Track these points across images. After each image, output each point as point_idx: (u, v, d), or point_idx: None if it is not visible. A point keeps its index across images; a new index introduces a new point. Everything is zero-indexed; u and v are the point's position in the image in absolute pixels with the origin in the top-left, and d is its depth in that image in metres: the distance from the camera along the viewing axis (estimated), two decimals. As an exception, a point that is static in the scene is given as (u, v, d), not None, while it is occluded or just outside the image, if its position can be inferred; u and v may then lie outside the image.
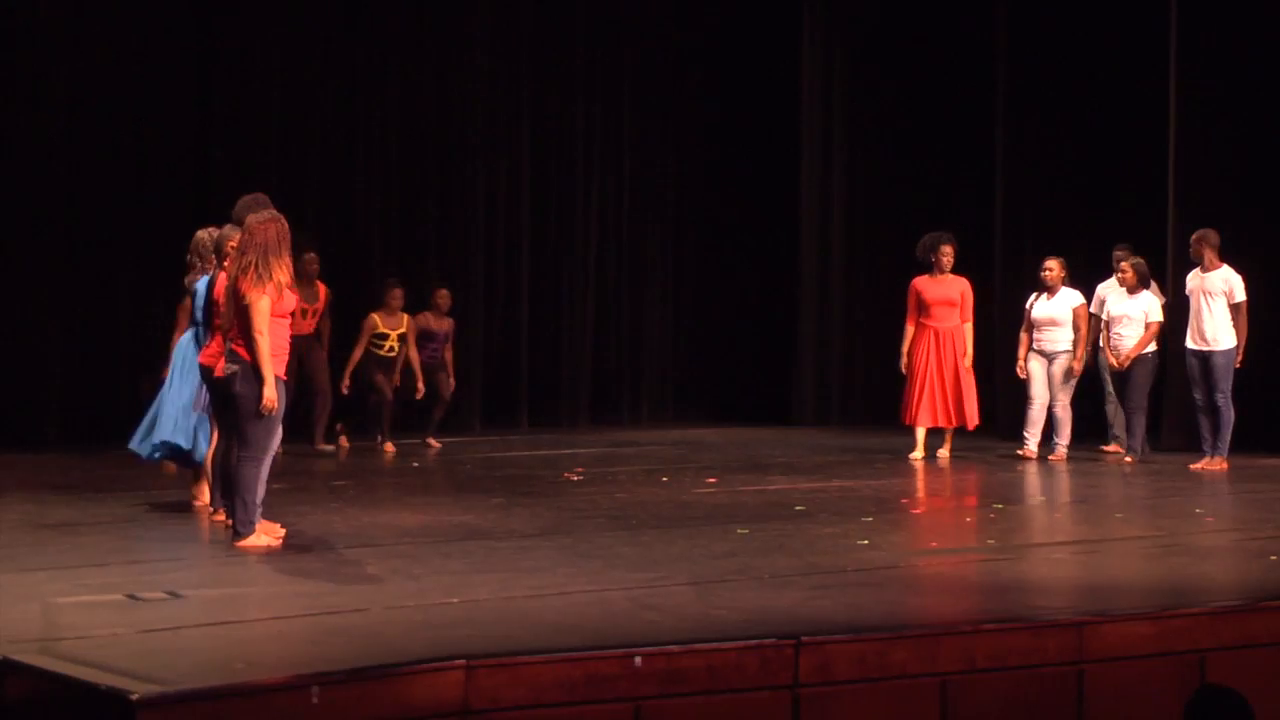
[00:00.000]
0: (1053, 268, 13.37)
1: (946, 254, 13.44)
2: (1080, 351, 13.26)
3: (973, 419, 13.42)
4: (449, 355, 14.46)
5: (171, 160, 14.92)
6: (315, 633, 6.69)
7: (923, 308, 13.43)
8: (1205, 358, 12.75)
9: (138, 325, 14.64)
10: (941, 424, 13.37)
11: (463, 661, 6.02)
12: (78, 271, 14.63)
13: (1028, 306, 13.50)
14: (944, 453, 13.36)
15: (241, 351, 8.60)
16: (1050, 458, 13.20)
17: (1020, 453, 13.22)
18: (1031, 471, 12.85)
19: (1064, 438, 13.28)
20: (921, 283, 13.51)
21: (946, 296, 13.40)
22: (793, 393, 17.37)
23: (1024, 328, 13.49)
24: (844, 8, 17.23)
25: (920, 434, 13.41)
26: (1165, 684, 7.01)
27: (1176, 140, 14.45)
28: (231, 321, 8.69)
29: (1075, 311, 13.28)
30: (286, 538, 8.93)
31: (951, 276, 13.47)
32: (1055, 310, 13.27)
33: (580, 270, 17.03)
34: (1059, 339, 13.27)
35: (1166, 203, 14.46)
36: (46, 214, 14.50)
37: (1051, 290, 13.33)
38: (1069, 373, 13.24)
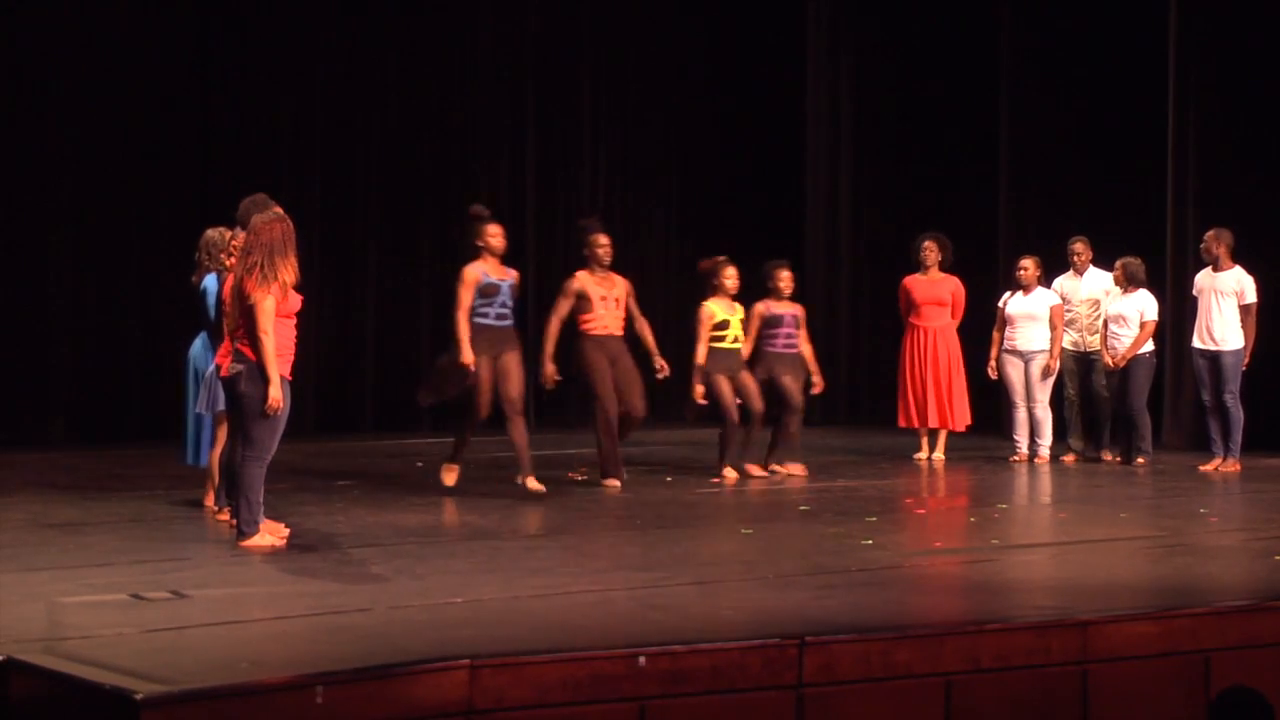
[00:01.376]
0: (1028, 266, 13.34)
1: (928, 249, 13.40)
2: (1056, 350, 13.24)
3: (962, 420, 13.40)
4: (807, 347, 12.52)
5: (179, 159, 14.94)
6: (319, 632, 6.69)
7: (912, 307, 13.41)
8: (1213, 358, 12.74)
9: (146, 324, 14.66)
10: (931, 425, 13.33)
11: (467, 661, 6.02)
12: (85, 270, 14.65)
13: (1001, 305, 13.45)
14: (938, 455, 13.35)
15: (247, 351, 8.61)
16: (1036, 460, 13.19)
17: (1013, 459, 13.19)
18: (1034, 472, 12.85)
19: (1045, 438, 13.25)
20: (911, 281, 13.49)
21: (936, 296, 13.38)
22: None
23: (996, 326, 13.45)
24: (847, 9, 17.23)
25: (924, 434, 13.41)
26: (1170, 684, 7.01)
27: (1177, 138, 14.46)
28: (238, 322, 8.69)
29: (1052, 310, 13.25)
30: (290, 537, 8.94)
31: (942, 275, 13.44)
32: (1032, 307, 13.23)
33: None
34: (1035, 337, 13.23)
35: (1170, 202, 14.48)
36: (54, 213, 14.53)
37: (1027, 289, 13.30)
38: (1045, 371, 13.23)
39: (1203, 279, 12.97)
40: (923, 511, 10.99)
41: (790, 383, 12.18)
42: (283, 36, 15.48)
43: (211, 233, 9.99)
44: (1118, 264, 13.17)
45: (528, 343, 16.37)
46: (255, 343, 8.56)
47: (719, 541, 9.16)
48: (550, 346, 11.39)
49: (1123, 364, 13.02)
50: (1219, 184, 14.16)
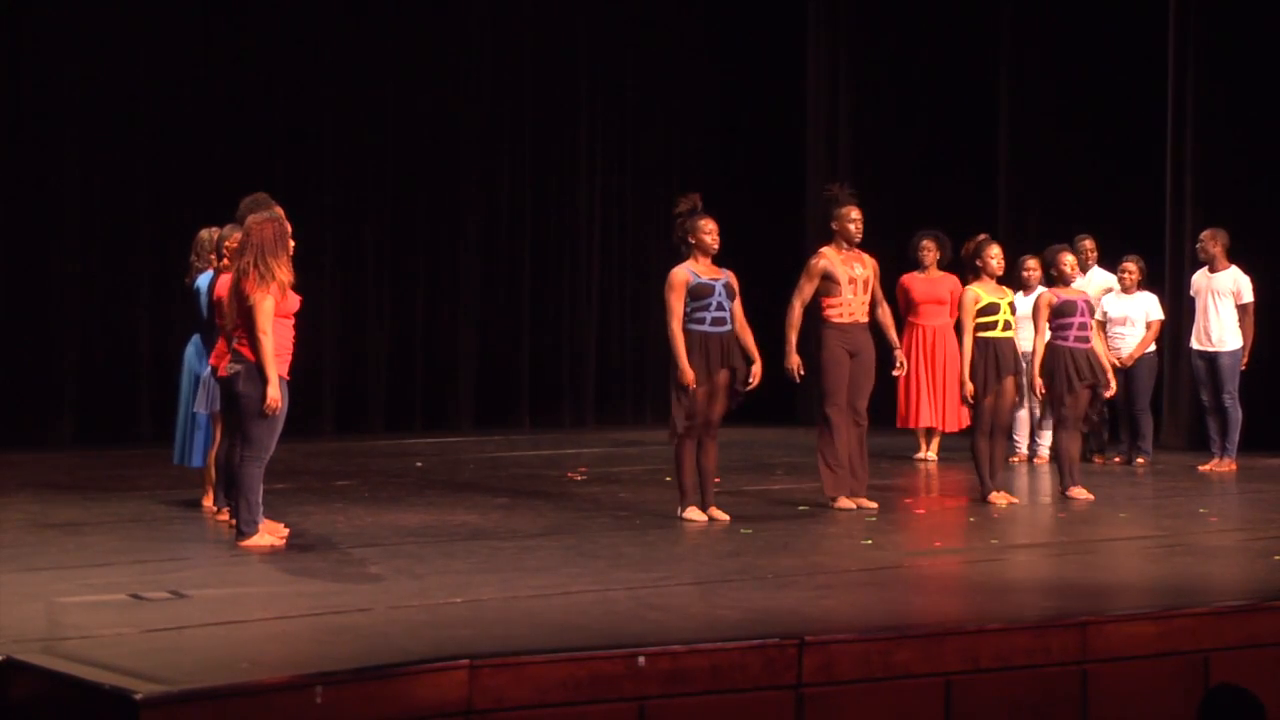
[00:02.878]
0: (1033, 267, 13.31)
1: (926, 249, 13.33)
2: None
3: (957, 421, 13.33)
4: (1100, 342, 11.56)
5: (186, 159, 14.92)
6: (319, 632, 6.69)
7: (911, 306, 13.38)
8: (1211, 359, 12.76)
9: (153, 325, 14.66)
10: (933, 426, 13.29)
11: (467, 661, 6.02)
12: (92, 271, 14.64)
13: None
14: (932, 455, 13.33)
15: (246, 351, 8.60)
16: (1035, 460, 13.19)
17: (1013, 459, 13.18)
18: (1034, 472, 12.84)
19: (1045, 438, 13.24)
20: (910, 280, 13.45)
21: (935, 295, 13.32)
22: (796, 392, 17.33)
23: None
24: (847, 7, 17.22)
25: (923, 434, 13.39)
26: (1169, 684, 7.01)
27: (1177, 138, 14.46)
28: (236, 321, 8.69)
29: None
30: (290, 537, 8.94)
31: (941, 275, 13.39)
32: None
33: (583, 268, 17.02)
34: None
35: (1168, 202, 14.48)
36: (61, 214, 14.52)
37: (1028, 289, 13.24)
38: None
39: (1199, 279, 12.97)
40: (923, 511, 10.98)
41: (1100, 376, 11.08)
42: (286, 38, 15.46)
43: (204, 233, 10.00)
44: (1132, 264, 13.10)
45: (523, 333, 16.57)
46: (254, 343, 8.56)
47: (718, 541, 9.15)
48: (794, 335, 10.37)
49: (1129, 364, 13.02)
50: (1218, 183, 14.16)
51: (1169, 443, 14.13)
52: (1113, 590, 7.92)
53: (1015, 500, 10.99)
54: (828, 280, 10.39)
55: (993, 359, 10.72)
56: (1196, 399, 13.18)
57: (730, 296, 9.87)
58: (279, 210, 8.91)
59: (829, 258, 10.45)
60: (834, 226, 10.54)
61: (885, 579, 8.12)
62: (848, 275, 10.40)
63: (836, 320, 10.41)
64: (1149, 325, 13.08)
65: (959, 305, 11.07)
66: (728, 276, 9.94)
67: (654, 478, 12.01)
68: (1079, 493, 11.03)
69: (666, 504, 10.50)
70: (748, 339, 9.92)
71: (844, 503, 10.41)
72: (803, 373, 10.47)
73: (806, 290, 10.41)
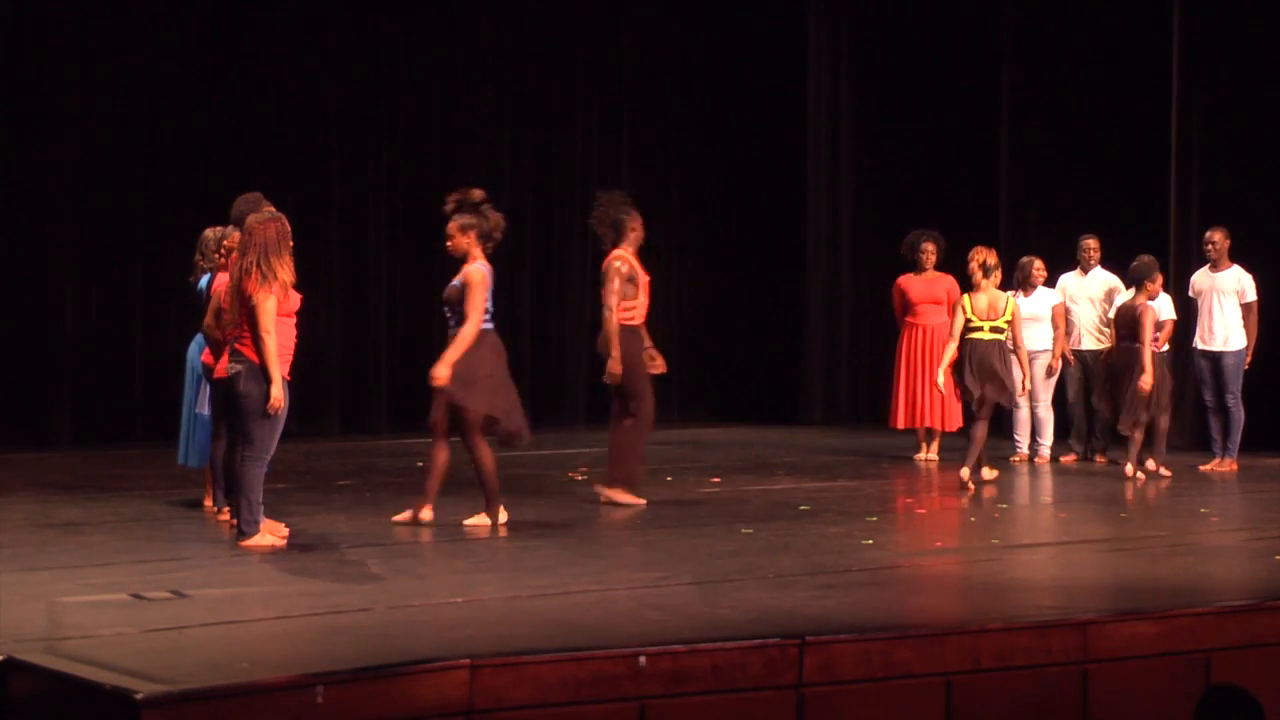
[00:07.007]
0: (1040, 267, 13.33)
1: (927, 251, 13.36)
2: (1059, 349, 13.21)
3: (954, 421, 13.31)
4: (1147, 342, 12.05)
5: (184, 159, 14.91)
6: (320, 632, 6.70)
7: (908, 306, 13.39)
8: (1216, 358, 12.76)
9: (151, 324, 14.65)
10: (930, 425, 13.29)
11: (467, 661, 6.03)
12: (90, 270, 14.63)
13: None
14: (932, 455, 13.33)
15: (246, 351, 8.60)
16: (1036, 460, 13.19)
17: (1013, 460, 13.17)
18: (1034, 472, 12.85)
19: (1046, 438, 13.23)
20: (906, 281, 13.46)
21: (932, 295, 13.33)
22: (798, 392, 17.36)
23: None
24: (849, 10, 17.23)
25: (923, 434, 13.39)
26: (1170, 684, 7.02)
27: (1180, 139, 14.46)
28: (238, 321, 8.68)
29: (1055, 310, 13.20)
30: (291, 537, 8.94)
31: (937, 274, 13.41)
32: (1035, 308, 13.16)
33: (581, 268, 17.01)
34: (1037, 337, 13.15)
35: (1173, 202, 14.47)
36: (59, 213, 14.51)
37: (1029, 289, 13.24)
38: (1048, 371, 13.20)
39: (1201, 279, 12.96)
40: (923, 511, 10.99)
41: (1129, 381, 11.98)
42: (288, 35, 15.45)
43: (208, 232, 10.00)
44: (1157, 271, 13.02)
45: (522, 333, 16.58)
46: (257, 342, 8.56)
47: (719, 541, 9.15)
48: (618, 341, 10.34)
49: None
50: (1222, 183, 14.14)
51: (1173, 442, 14.11)
52: (1113, 590, 7.93)
53: (996, 472, 11.77)
54: (630, 284, 10.36)
55: (969, 355, 11.48)
56: (1199, 398, 13.17)
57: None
58: (271, 208, 8.92)
59: (629, 261, 10.41)
60: (631, 233, 10.45)
61: (885, 579, 8.13)
62: (643, 280, 10.45)
63: (631, 323, 10.41)
64: (1161, 325, 13.05)
65: (950, 304, 11.74)
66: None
67: (654, 477, 12.00)
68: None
69: (668, 504, 10.52)
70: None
71: (622, 495, 10.48)
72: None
73: (626, 292, 10.33)
